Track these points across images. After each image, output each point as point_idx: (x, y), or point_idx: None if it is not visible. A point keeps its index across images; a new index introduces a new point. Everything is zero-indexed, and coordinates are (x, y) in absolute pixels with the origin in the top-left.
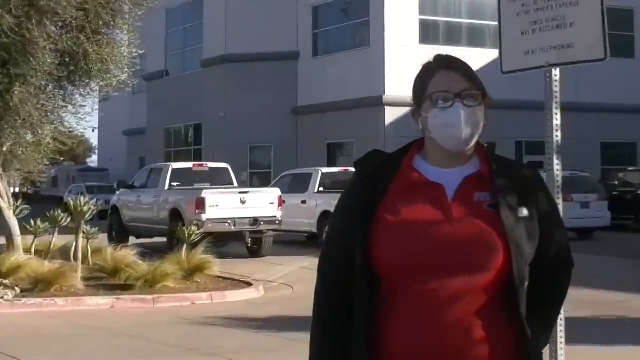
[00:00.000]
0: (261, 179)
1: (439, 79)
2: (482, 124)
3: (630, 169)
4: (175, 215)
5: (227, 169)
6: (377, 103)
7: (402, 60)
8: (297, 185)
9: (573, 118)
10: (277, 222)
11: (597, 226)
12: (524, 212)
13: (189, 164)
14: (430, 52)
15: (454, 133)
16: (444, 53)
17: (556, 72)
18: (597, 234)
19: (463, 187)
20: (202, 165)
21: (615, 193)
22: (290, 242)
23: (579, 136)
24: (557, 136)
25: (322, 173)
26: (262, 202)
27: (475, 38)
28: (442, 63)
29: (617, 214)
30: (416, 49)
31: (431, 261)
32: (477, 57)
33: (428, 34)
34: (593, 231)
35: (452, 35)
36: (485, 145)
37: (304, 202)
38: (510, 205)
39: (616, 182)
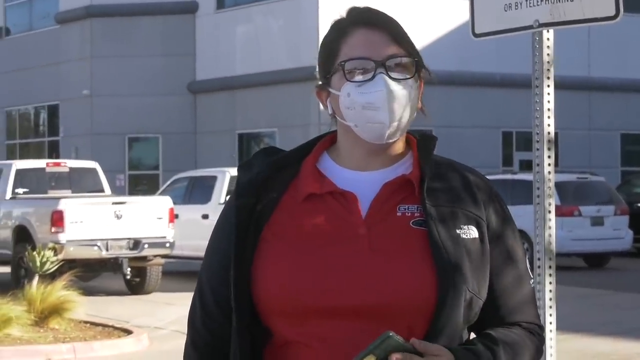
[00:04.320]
0: (145, 184)
1: (354, 41)
2: (416, 106)
3: None
4: (22, 235)
5: (95, 169)
6: (309, 77)
7: None
8: (196, 193)
9: (582, 100)
10: (168, 244)
11: (615, 250)
12: (472, 232)
13: (40, 163)
14: (385, 4)
15: (376, 117)
16: (369, 5)
17: (549, 36)
18: (614, 261)
19: (381, 197)
20: (59, 164)
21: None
22: (185, 272)
23: (590, 126)
24: (549, 125)
25: (231, 176)
26: (146, 217)
27: None
28: (359, 18)
29: None
30: None
31: (335, 302)
32: (459, 11)
33: None
34: (608, 257)
35: None
36: (416, 137)
37: (205, 216)
38: (445, 220)
39: None
